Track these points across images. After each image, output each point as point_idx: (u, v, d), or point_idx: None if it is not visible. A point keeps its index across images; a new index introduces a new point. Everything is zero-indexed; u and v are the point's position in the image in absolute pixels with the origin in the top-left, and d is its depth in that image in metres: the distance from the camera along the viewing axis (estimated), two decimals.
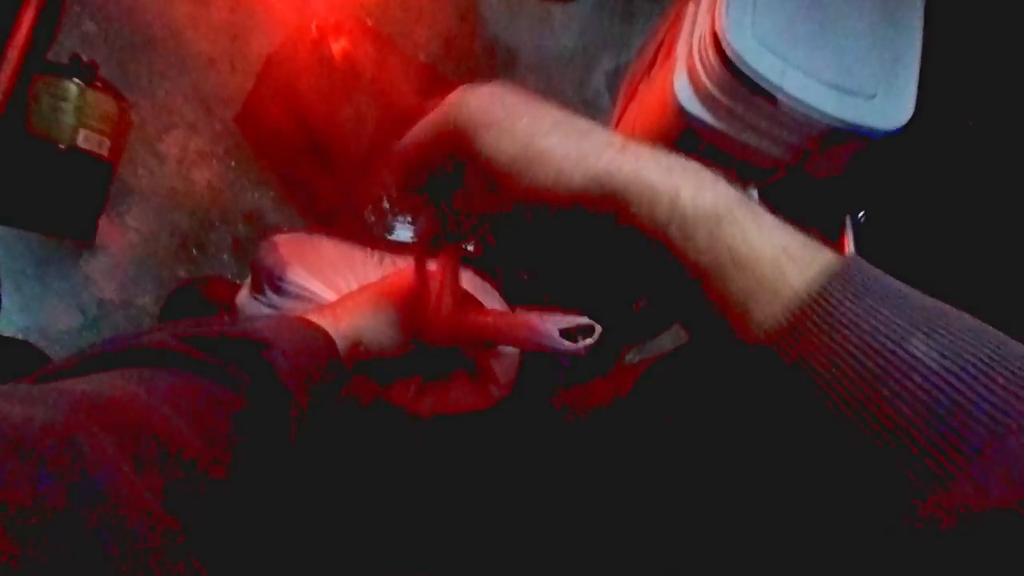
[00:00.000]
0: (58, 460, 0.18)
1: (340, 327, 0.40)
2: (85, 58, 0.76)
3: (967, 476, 0.19)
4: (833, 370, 0.22)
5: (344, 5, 0.89)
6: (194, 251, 0.85)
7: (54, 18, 0.76)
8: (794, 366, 0.23)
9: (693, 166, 0.28)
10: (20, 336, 0.72)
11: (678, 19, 0.82)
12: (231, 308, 0.64)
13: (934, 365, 0.21)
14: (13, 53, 0.64)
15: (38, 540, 0.16)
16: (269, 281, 0.52)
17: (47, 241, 0.79)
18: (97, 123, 0.75)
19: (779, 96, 0.67)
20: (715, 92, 0.72)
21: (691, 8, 0.78)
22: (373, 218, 0.87)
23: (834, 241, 0.83)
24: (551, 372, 0.54)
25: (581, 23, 1.08)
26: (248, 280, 0.60)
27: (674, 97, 0.75)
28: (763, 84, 0.67)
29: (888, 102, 0.71)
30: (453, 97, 0.30)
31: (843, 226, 0.83)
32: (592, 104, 1.08)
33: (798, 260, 0.25)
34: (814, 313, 0.23)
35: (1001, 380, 0.20)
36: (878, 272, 0.25)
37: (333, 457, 0.44)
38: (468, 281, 0.53)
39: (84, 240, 0.80)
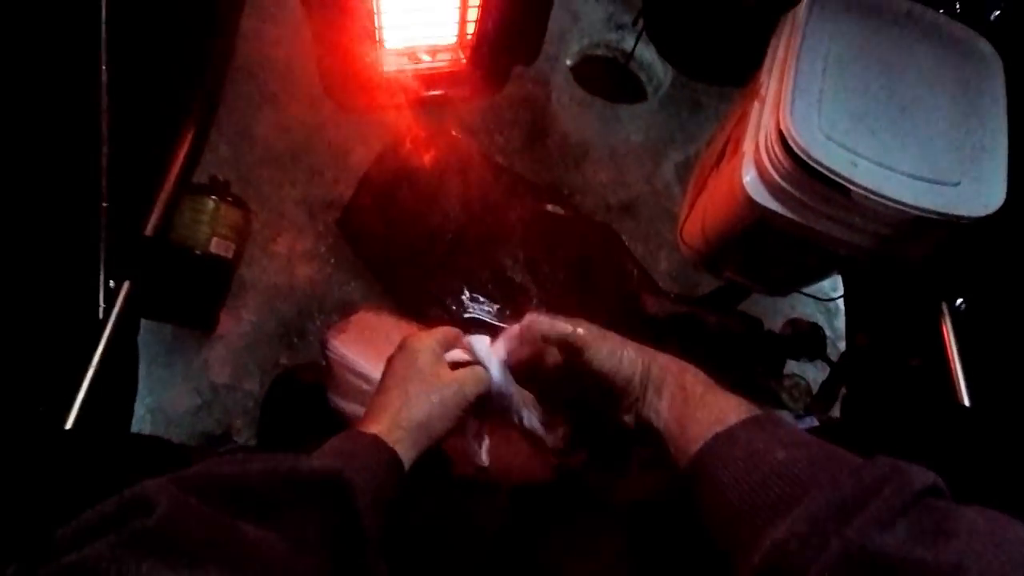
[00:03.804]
0: None
1: (406, 445, 0.43)
2: (220, 177, 0.91)
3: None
4: (729, 470, 0.36)
5: (432, 120, 1.01)
6: (295, 339, 0.94)
7: (199, 147, 0.92)
8: (708, 471, 0.37)
9: (679, 363, 0.46)
10: (148, 418, 0.82)
11: (745, 115, 0.85)
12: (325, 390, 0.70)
13: (783, 461, 0.35)
14: (169, 179, 0.78)
15: None
16: (322, 351, 0.57)
17: (177, 331, 0.91)
18: (226, 231, 0.88)
19: (852, 188, 0.67)
20: (785, 186, 0.73)
21: (756, 105, 0.81)
22: (453, 304, 0.93)
23: (931, 328, 0.78)
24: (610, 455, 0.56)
25: (648, 119, 1.14)
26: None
27: (744, 191, 0.77)
28: (833, 177, 0.67)
29: (974, 188, 0.69)
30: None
31: (940, 313, 0.79)
32: (662, 194, 1.12)
33: (732, 414, 0.40)
34: (722, 438, 0.38)
35: (820, 465, 0.34)
36: (780, 420, 0.39)
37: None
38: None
39: (207, 330, 0.91)
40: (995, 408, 0.66)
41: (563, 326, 0.48)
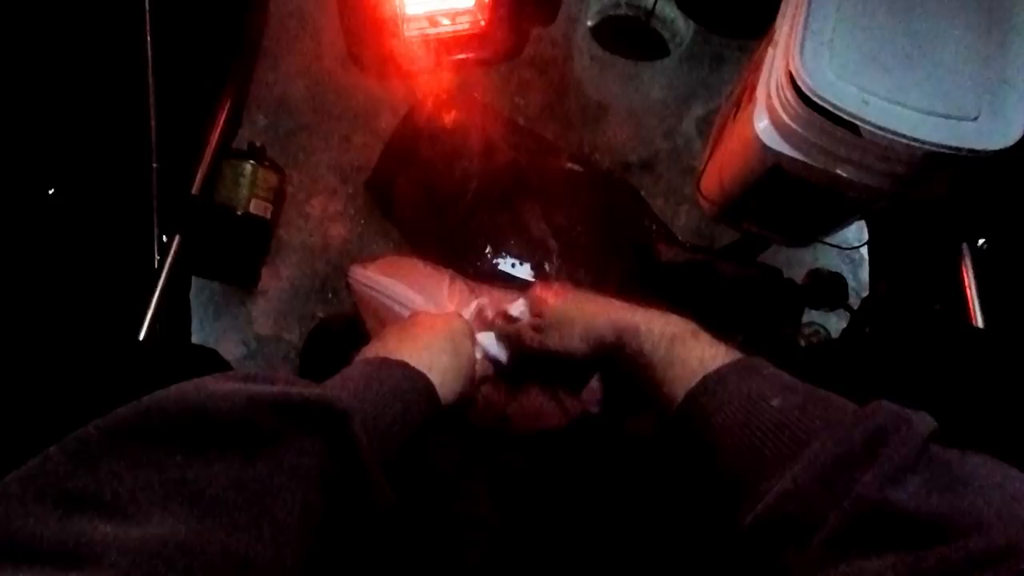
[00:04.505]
0: None
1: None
2: (258, 143, 0.97)
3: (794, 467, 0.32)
4: (723, 414, 0.37)
5: (454, 83, 1.04)
6: (329, 295, 1.01)
7: (238, 116, 0.99)
8: (700, 414, 0.38)
9: (659, 312, 0.48)
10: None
11: (760, 63, 0.85)
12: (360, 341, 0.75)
13: (779, 408, 0.35)
14: (211, 144, 0.85)
15: None
16: (347, 287, 0.61)
17: (223, 288, 0.99)
18: (264, 193, 0.94)
19: (861, 126, 0.67)
20: (797, 129, 0.73)
21: (770, 51, 0.81)
22: (477, 259, 0.97)
23: (950, 270, 0.77)
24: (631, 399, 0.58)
25: (669, 76, 1.14)
26: None
27: (756, 136, 0.78)
28: (843, 115, 0.68)
29: (994, 122, 0.68)
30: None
31: (960, 255, 0.78)
32: (683, 149, 1.12)
33: (716, 360, 0.41)
34: (712, 381, 0.39)
35: (817, 414, 0.34)
36: (765, 364, 0.40)
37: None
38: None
39: (250, 286, 0.98)
40: (1008, 332, 0.66)
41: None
